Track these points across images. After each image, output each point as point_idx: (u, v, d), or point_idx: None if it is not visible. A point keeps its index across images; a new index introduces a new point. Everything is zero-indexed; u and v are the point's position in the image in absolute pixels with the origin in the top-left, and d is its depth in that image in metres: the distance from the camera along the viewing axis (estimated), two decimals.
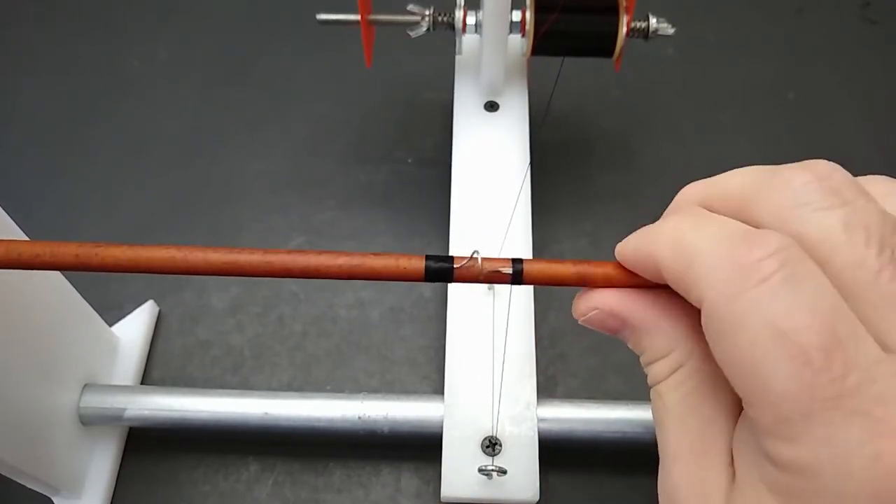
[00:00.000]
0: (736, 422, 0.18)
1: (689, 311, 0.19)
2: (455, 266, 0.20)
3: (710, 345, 0.16)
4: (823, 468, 0.15)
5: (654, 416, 0.20)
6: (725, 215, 0.18)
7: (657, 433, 0.19)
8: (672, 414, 0.19)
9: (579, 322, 0.20)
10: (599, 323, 0.20)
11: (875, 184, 0.18)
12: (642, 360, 0.20)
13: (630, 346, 0.20)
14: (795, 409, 0.15)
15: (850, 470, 0.14)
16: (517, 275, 0.20)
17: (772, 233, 0.16)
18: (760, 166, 0.18)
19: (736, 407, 0.18)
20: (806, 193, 0.16)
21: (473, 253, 0.20)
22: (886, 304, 0.15)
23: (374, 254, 0.20)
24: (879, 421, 0.14)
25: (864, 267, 0.15)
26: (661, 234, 0.18)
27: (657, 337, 0.19)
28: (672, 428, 0.19)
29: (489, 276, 0.20)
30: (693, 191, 0.20)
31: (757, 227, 0.17)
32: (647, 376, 0.20)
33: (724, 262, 0.16)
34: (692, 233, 0.17)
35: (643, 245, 0.18)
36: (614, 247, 0.20)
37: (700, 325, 0.18)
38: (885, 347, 0.15)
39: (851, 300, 0.15)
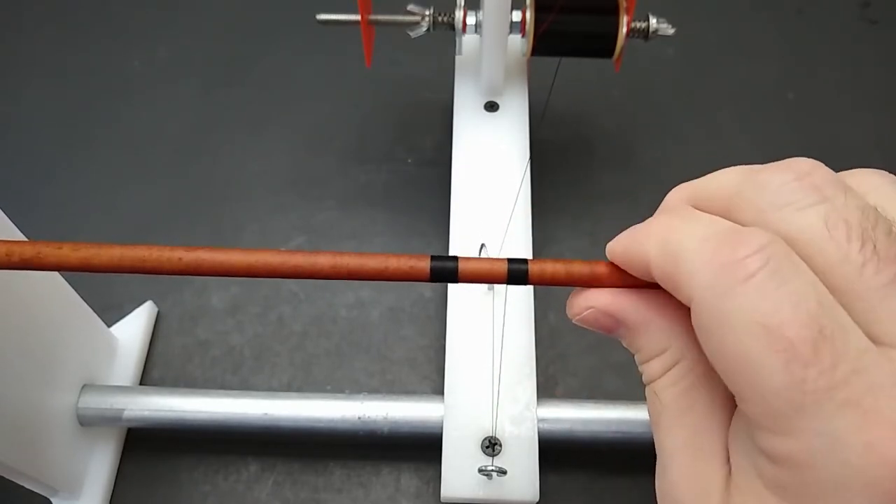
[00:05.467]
0: (731, 418, 0.18)
1: (683, 310, 0.19)
2: (461, 264, 0.20)
3: (701, 342, 0.17)
4: (816, 460, 0.15)
5: (650, 415, 0.20)
6: (710, 211, 0.18)
7: (653, 431, 0.19)
8: (668, 412, 0.19)
9: (573, 321, 0.20)
10: (594, 322, 0.20)
11: (862, 177, 0.18)
12: (637, 358, 0.20)
13: (625, 344, 0.20)
14: (786, 402, 0.15)
15: (843, 460, 0.14)
16: (522, 275, 0.20)
17: (756, 230, 0.16)
18: (743, 167, 0.18)
19: (731, 403, 0.18)
20: (786, 193, 0.16)
21: (482, 247, 0.20)
22: (872, 296, 0.15)
23: (378, 254, 0.20)
24: (869, 411, 0.14)
25: (848, 262, 0.15)
26: (649, 233, 0.18)
27: (652, 335, 0.19)
28: (668, 426, 0.19)
29: (494, 276, 0.20)
30: (681, 192, 0.20)
31: (741, 223, 0.17)
32: (641, 375, 0.20)
33: (710, 261, 0.16)
34: (679, 232, 0.17)
35: (633, 244, 0.19)
36: None
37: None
38: (874, 339, 0.15)
39: (839, 295, 0.15)
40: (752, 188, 0.17)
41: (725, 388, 0.18)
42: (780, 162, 0.17)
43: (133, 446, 0.42)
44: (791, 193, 0.16)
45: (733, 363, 0.16)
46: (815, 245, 0.16)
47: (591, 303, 0.20)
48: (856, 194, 0.17)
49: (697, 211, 0.18)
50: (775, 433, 0.15)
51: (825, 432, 0.14)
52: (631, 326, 0.19)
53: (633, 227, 0.19)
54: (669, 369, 0.19)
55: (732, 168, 0.19)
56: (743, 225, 0.17)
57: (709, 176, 0.19)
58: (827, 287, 0.15)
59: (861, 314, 0.15)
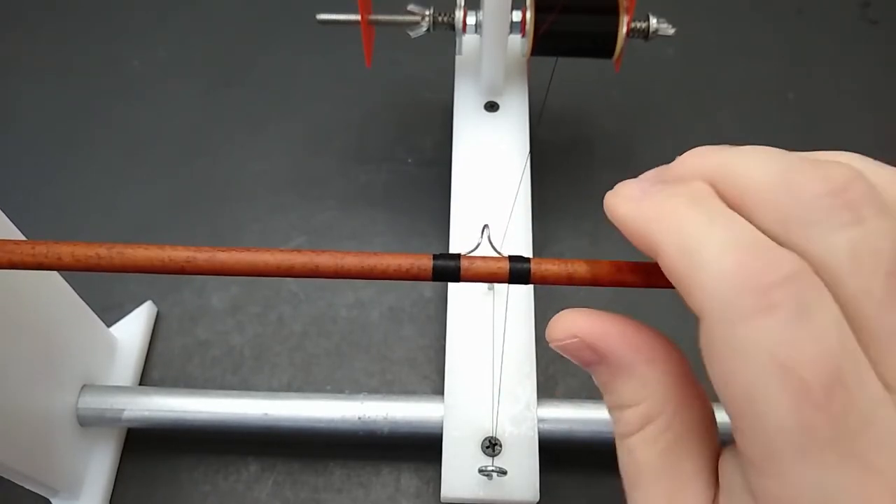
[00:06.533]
0: (713, 478, 0.17)
1: (673, 356, 0.18)
2: (463, 263, 0.20)
3: (706, 363, 0.15)
4: None
5: (623, 473, 0.18)
6: (729, 200, 0.16)
7: (627, 491, 0.18)
8: (645, 472, 0.17)
9: (551, 346, 0.19)
10: (574, 352, 0.18)
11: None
12: (608, 400, 0.18)
13: (598, 382, 0.18)
14: (788, 444, 0.14)
15: None
16: (525, 274, 0.20)
17: (787, 254, 0.14)
18: (779, 155, 0.16)
19: (713, 460, 0.17)
20: (817, 209, 0.15)
21: (485, 227, 0.20)
22: (888, 337, 0.14)
23: (380, 253, 0.20)
24: (871, 469, 0.13)
25: (869, 296, 0.14)
26: (662, 216, 0.16)
27: (633, 381, 0.17)
28: (645, 488, 0.17)
29: (496, 275, 0.20)
30: (701, 163, 0.18)
31: (761, 227, 0.15)
32: (613, 423, 0.18)
33: (731, 278, 0.14)
34: (699, 231, 0.15)
35: (641, 221, 0.17)
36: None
37: (683, 374, 0.17)
38: (886, 385, 0.14)
39: (856, 330, 0.14)
40: (783, 192, 0.15)
41: (707, 445, 0.17)
42: (817, 164, 0.16)
43: (133, 446, 0.42)
44: (822, 211, 0.15)
45: (739, 393, 0.14)
46: (839, 272, 0.14)
47: (576, 331, 0.18)
48: (891, 215, 0.15)
49: (722, 205, 0.16)
50: (771, 475, 0.14)
51: (824, 484, 0.14)
52: (612, 365, 0.18)
53: (640, 188, 0.18)
54: (647, 424, 0.17)
55: (766, 151, 0.17)
56: (762, 227, 0.15)
57: (736, 153, 0.17)
58: (846, 318, 0.14)
59: (875, 355, 0.14)
